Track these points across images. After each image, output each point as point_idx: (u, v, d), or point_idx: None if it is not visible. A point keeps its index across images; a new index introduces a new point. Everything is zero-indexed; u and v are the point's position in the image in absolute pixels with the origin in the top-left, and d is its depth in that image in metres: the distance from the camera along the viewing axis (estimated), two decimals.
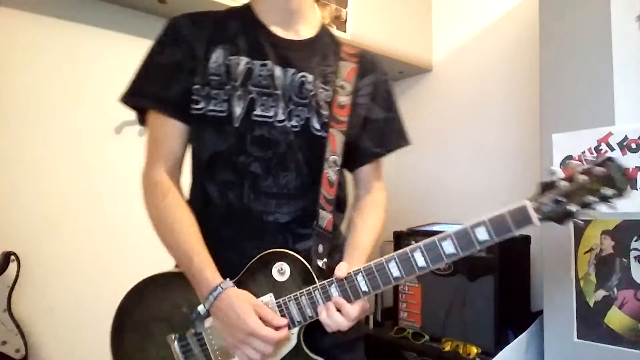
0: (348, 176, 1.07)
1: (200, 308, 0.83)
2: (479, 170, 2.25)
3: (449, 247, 0.78)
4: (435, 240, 0.79)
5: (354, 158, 1.01)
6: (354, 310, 0.83)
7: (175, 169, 0.93)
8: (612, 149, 1.33)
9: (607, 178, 0.73)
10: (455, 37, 2.42)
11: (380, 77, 1.03)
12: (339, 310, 0.83)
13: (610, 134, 1.33)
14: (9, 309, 1.38)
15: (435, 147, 2.49)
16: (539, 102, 1.50)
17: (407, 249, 0.81)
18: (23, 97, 1.50)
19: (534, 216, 0.74)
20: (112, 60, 1.65)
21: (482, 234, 0.76)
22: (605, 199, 0.74)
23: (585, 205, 0.74)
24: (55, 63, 1.55)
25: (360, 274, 0.83)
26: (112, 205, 1.64)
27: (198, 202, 0.93)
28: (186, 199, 0.95)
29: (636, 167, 1.29)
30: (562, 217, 0.75)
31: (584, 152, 1.37)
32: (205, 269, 0.84)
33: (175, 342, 0.86)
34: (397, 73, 2.56)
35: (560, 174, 0.76)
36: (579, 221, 0.76)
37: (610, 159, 0.74)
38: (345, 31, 2.08)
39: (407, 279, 0.81)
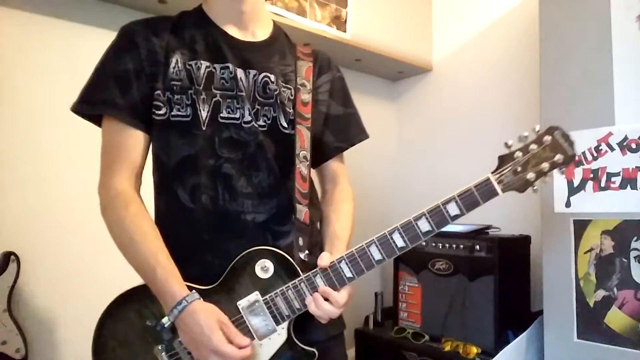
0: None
1: (165, 320, 0.82)
2: (478, 170, 2.24)
3: (424, 225, 0.82)
4: (411, 220, 0.82)
5: (318, 154, 1.03)
6: (342, 297, 0.84)
7: (135, 179, 0.91)
8: (612, 149, 1.33)
9: (555, 145, 0.81)
10: (455, 37, 2.42)
11: (335, 75, 1.07)
12: (327, 299, 0.84)
13: (610, 134, 1.33)
14: (9, 309, 1.38)
15: (435, 147, 2.49)
16: (539, 102, 1.50)
17: (386, 231, 0.84)
18: (23, 97, 1.50)
19: (498, 187, 0.81)
20: None
21: (453, 209, 0.81)
22: (555, 165, 0.81)
23: (541, 173, 0.81)
24: (55, 63, 1.55)
25: (343, 261, 0.85)
26: None
27: (171, 210, 0.91)
28: (151, 209, 0.93)
29: (636, 167, 1.29)
30: (521, 185, 0.81)
31: (584, 152, 1.37)
32: (169, 280, 0.82)
33: (163, 354, 0.85)
34: (397, 73, 2.56)
35: (516, 145, 0.82)
36: (535, 188, 0.82)
37: (554, 127, 0.81)
38: (345, 31, 2.08)
39: (388, 260, 0.84)
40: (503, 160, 0.83)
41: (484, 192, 0.81)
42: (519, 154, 0.82)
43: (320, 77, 1.04)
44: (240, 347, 0.80)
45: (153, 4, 1.64)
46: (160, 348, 0.85)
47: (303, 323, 0.89)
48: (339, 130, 1.05)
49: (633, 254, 1.28)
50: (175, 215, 0.90)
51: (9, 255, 1.40)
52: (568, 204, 1.40)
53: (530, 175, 0.81)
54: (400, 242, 0.83)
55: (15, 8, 1.48)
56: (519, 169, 0.81)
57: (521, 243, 1.87)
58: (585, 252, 1.36)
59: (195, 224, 0.89)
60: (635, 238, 1.28)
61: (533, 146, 0.81)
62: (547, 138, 0.81)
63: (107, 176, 0.88)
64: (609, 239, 1.32)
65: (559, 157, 0.81)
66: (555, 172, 0.82)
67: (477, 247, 1.73)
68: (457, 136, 2.37)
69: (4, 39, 1.47)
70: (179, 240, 0.89)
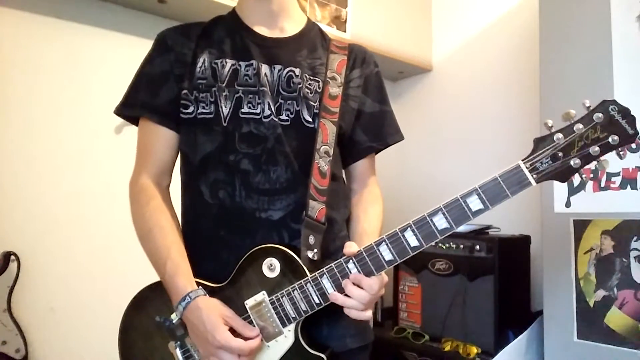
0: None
1: (173, 316, 0.83)
2: (478, 170, 2.24)
3: (440, 222, 0.74)
4: (425, 216, 0.75)
5: (349, 153, 1.01)
6: (375, 282, 0.78)
7: (162, 176, 0.95)
8: None
9: (609, 123, 0.67)
10: (455, 37, 2.42)
11: (371, 69, 1.02)
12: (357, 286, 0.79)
13: None
14: (9, 309, 1.38)
15: (435, 147, 2.49)
16: (539, 102, 1.50)
17: (397, 229, 0.77)
18: (23, 97, 1.49)
19: (529, 176, 0.70)
20: (112, 60, 1.65)
21: (475, 204, 0.72)
22: (609, 147, 0.67)
23: (589, 158, 0.68)
24: (55, 63, 1.55)
25: (350, 261, 0.81)
26: (111, 205, 1.63)
27: (194, 206, 0.93)
28: (179, 206, 0.96)
29: (636, 167, 1.29)
30: (562, 173, 0.69)
31: None
32: (177, 275, 0.82)
33: (177, 350, 0.86)
34: (397, 73, 2.56)
35: (558, 125, 0.69)
36: (584, 176, 0.70)
37: (608, 101, 0.67)
38: (345, 31, 2.07)
39: (400, 261, 0.78)
40: (539, 143, 0.71)
41: (513, 182, 0.70)
42: (559, 135, 0.69)
43: (353, 70, 1.00)
44: (249, 338, 0.80)
45: (153, 4, 1.64)
46: (174, 344, 0.86)
47: (321, 330, 0.87)
48: (373, 129, 1.01)
49: (633, 254, 1.28)
50: (198, 211, 0.92)
51: (9, 255, 1.40)
52: (568, 204, 1.40)
53: (576, 162, 0.68)
54: (413, 241, 0.75)
55: (15, 8, 1.48)
56: (560, 153, 0.69)
57: (521, 243, 1.86)
58: (585, 252, 1.36)
59: (214, 221, 0.90)
60: (635, 238, 1.28)
61: (579, 126, 0.68)
62: (599, 115, 0.67)
63: (136, 173, 0.94)
64: (609, 239, 1.32)
65: (614, 138, 0.66)
66: (613, 155, 0.67)
67: (477, 247, 1.73)
68: (457, 136, 2.37)
69: (4, 39, 1.47)
70: (199, 236, 0.91)
